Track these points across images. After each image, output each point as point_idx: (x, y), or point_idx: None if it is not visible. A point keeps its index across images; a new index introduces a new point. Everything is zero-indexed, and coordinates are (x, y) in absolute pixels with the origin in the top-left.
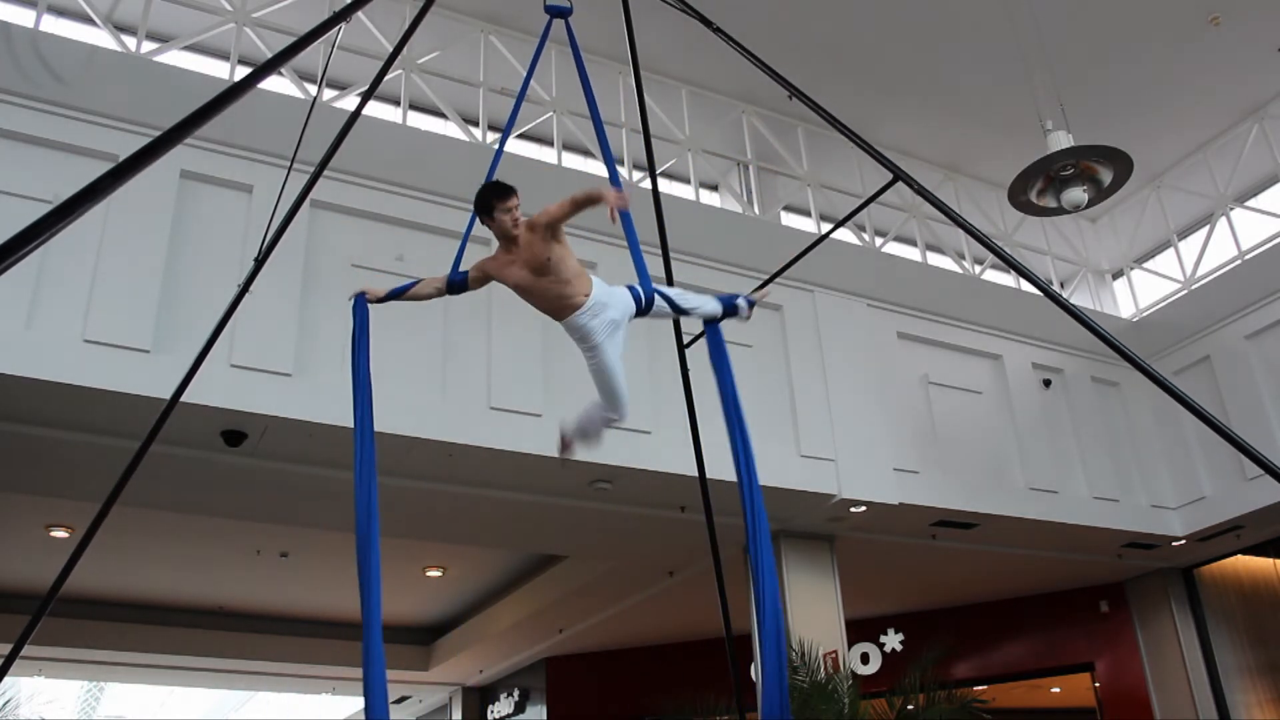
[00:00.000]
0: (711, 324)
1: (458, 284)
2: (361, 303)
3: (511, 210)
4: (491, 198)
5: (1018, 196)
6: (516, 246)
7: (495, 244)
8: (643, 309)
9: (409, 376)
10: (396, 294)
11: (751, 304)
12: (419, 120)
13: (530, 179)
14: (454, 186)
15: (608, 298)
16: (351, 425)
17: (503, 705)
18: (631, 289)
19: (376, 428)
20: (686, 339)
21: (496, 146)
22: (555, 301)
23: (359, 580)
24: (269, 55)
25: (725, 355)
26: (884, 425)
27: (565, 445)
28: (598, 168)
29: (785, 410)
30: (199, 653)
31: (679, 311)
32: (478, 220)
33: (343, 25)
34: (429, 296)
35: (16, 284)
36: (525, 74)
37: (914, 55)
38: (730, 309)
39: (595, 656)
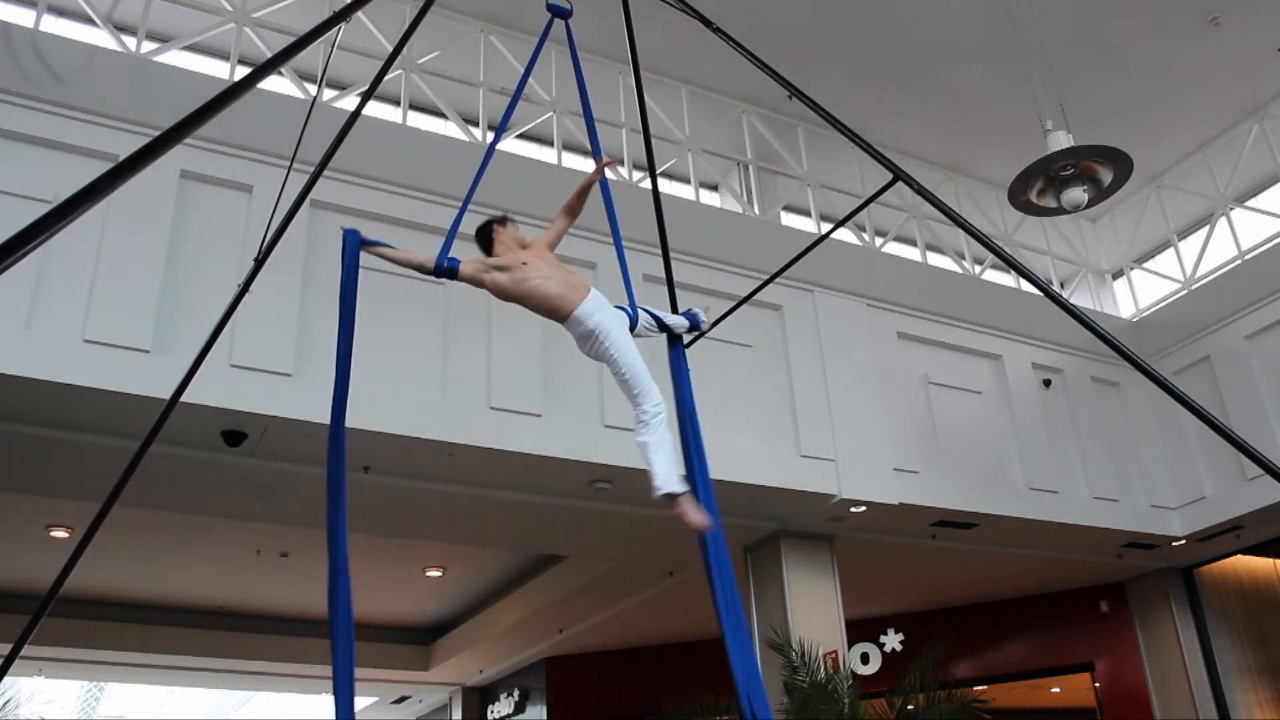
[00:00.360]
0: (676, 343)
1: (445, 271)
2: (354, 237)
3: (518, 225)
4: (504, 216)
5: (1018, 196)
6: (522, 249)
7: None
8: (631, 326)
9: (409, 376)
10: (377, 244)
11: (705, 310)
12: (419, 120)
13: (530, 179)
14: (454, 186)
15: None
16: (354, 426)
17: (503, 705)
18: (621, 308)
19: (376, 428)
20: (686, 339)
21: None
22: (563, 285)
23: (327, 515)
24: (269, 55)
25: (686, 373)
26: (884, 425)
27: (685, 498)
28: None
29: (785, 410)
30: (199, 653)
31: (660, 326)
32: (480, 243)
33: (343, 25)
34: (406, 265)
35: (16, 284)
36: (523, 73)
37: (914, 55)
38: (694, 324)
39: (595, 656)
